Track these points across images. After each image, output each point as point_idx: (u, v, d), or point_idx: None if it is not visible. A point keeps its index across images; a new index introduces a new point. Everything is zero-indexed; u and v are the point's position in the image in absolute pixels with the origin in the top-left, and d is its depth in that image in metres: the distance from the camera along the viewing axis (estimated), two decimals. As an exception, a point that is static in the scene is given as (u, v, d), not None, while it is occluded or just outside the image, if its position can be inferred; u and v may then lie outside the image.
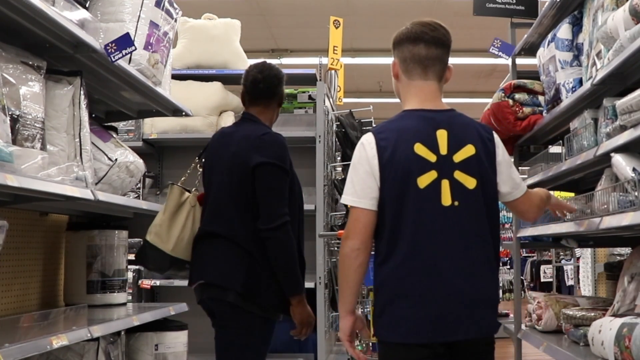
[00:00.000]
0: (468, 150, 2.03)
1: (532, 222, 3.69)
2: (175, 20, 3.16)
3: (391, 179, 1.98)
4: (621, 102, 2.39)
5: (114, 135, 3.04)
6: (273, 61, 11.67)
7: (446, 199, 1.98)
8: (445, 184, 1.99)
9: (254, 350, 2.67)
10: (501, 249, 10.22)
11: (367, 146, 2.03)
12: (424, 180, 1.98)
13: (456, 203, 1.98)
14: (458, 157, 2.01)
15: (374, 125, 3.92)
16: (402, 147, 2.00)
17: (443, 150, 2.01)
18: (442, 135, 2.02)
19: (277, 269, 2.62)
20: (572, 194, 3.76)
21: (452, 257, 1.97)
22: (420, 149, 2.00)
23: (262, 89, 2.81)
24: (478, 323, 1.98)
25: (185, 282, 4.47)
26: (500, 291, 10.91)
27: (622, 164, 2.42)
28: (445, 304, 1.95)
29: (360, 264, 2.01)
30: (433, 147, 2.01)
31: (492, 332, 2.03)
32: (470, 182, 2.01)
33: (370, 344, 3.57)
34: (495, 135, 2.13)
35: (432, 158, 2.00)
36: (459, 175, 2.00)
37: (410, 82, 2.12)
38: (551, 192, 2.54)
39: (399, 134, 2.03)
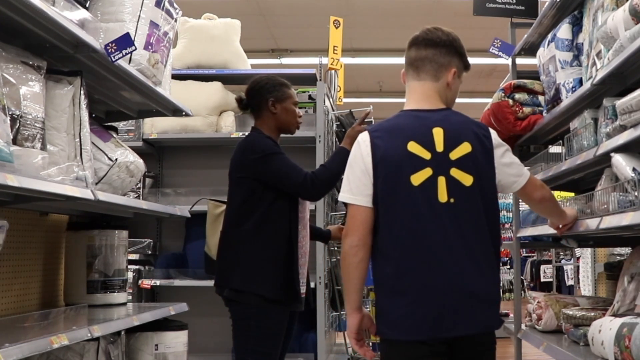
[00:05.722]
0: (464, 148, 2.04)
1: (532, 222, 3.69)
2: (175, 20, 3.16)
3: (384, 176, 2.01)
4: (621, 102, 2.39)
5: (114, 135, 3.04)
6: (273, 61, 11.56)
7: (442, 196, 1.99)
8: (441, 181, 2.00)
9: (255, 341, 2.73)
10: (501, 249, 10.25)
11: (362, 144, 2.08)
12: (418, 177, 2.00)
13: (452, 200, 2.00)
14: (454, 154, 2.03)
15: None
16: (394, 145, 2.03)
17: (439, 147, 2.03)
18: (438, 133, 2.04)
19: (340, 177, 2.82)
20: (572, 194, 3.76)
21: (449, 253, 1.97)
22: (413, 147, 2.02)
23: (247, 104, 3.02)
24: (478, 319, 1.98)
25: (184, 282, 4.52)
26: (500, 291, 10.90)
27: (622, 163, 2.42)
28: (444, 301, 1.95)
29: (360, 260, 2.02)
30: (428, 144, 2.02)
31: (491, 327, 2.03)
32: (467, 179, 2.02)
33: (371, 344, 3.57)
34: (493, 132, 2.15)
35: (427, 155, 2.01)
36: (455, 172, 2.01)
37: (408, 84, 2.19)
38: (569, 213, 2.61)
39: (393, 133, 2.07)
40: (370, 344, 3.55)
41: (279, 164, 2.80)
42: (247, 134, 2.99)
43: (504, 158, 2.13)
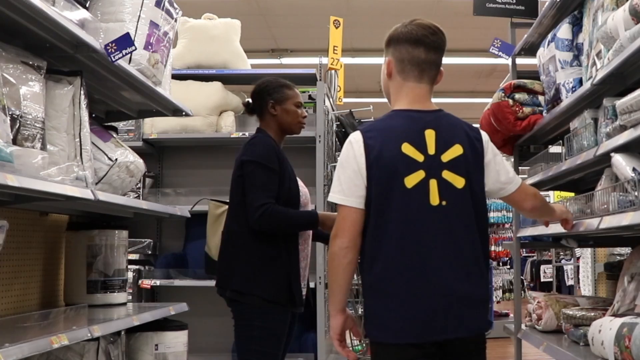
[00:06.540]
0: (456, 150, 2.03)
1: (532, 222, 3.69)
2: (175, 20, 3.16)
3: (377, 177, 1.98)
4: (621, 102, 2.39)
5: (114, 135, 3.04)
6: (273, 61, 11.54)
7: (434, 199, 1.98)
8: (433, 184, 1.99)
9: (257, 341, 2.73)
10: (501, 249, 10.26)
11: (354, 144, 2.03)
12: (412, 180, 1.98)
13: (444, 203, 1.98)
14: (446, 156, 2.01)
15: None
16: (389, 146, 2.00)
17: (431, 150, 2.01)
18: (430, 135, 2.02)
19: (290, 232, 2.81)
20: (572, 194, 3.77)
21: (440, 256, 1.96)
22: (407, 149, 2.00)
23: (252, 108, 3.03)
24: (468, 321, 1.98)
25: (184, 282, 4.52)
26: (500, 291, 10.92)
27: (622, 163, 2.42)
28: (435, 303, 1.94)
29: (349, 262, 2.00)
30: (421, 146, 2.01)
31: (482, 330, 2.03)
32: (458, 182, 2.01)
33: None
34: (484, 135, 2.13)
35: (420, 158, 2.00)
36: (447, 174, 2.00)
37: (404, 83, 2.11)
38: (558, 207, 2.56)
39: (387, 133, 2.03)
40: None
41: (256, 177, 2.75)
42: (247, 133, 3.00)
43: (494, 162, 2.11)
